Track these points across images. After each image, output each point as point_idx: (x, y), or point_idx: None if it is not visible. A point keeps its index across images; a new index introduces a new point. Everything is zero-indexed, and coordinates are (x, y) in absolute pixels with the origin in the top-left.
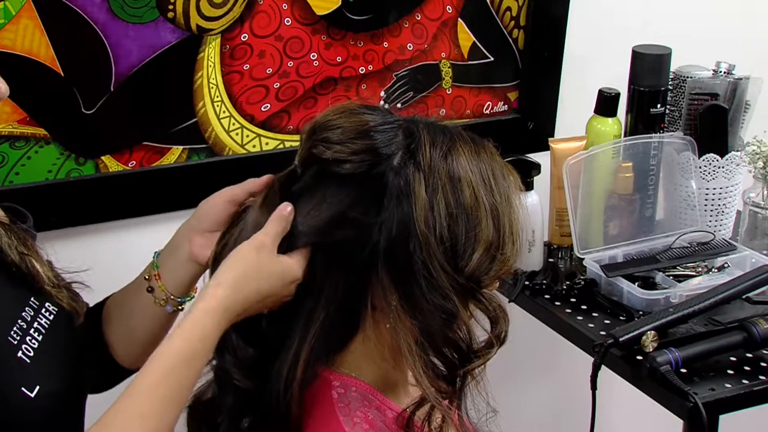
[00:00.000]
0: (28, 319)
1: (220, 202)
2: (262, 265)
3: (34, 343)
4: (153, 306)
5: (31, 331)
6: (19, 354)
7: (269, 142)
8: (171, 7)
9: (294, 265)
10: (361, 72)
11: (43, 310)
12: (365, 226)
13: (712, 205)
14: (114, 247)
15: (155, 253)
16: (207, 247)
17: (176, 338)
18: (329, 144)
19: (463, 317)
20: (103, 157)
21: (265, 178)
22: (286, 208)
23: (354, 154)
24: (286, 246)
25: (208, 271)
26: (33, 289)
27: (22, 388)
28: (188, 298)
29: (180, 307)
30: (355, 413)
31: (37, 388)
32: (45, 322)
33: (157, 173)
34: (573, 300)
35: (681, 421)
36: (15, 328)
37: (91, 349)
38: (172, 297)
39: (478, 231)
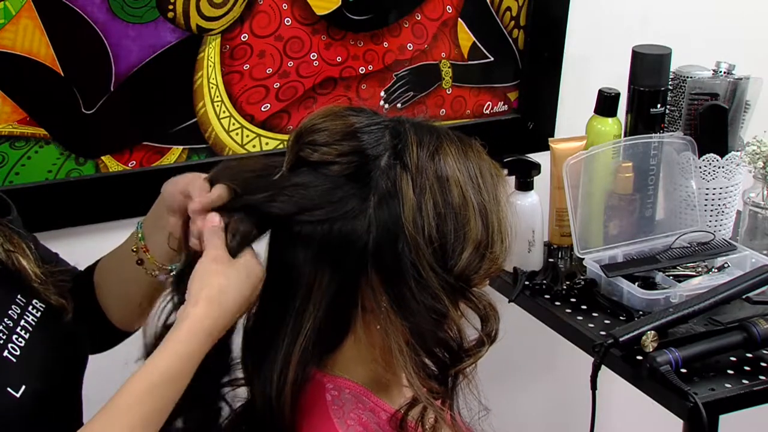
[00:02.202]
0: (15, 317)
1: (176, 192)
2: (230, 275)
3: (21, 342)
4: (145, 276)
5: (18, 329)
6: (5, 353)
7: (269, 142)
8: (171, 7)
9: (252, 261)
10: (361, 72)
11: (30, 307)
12: (352, 225)
13: (712, 205)
14: (114, 247)
15: (138, 223)
16: (177, 226)
17: (159, 358)
18: (316, 146)
19: (454, 317)
20: (103, 157)
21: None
22: (214, 220)
23: (341, 155)
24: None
25: None
26: (20, 287)
27: (8, 388)
28: (179, 264)
29: (173, 274)
30: (349, 415)
31: (23, 387)
32: (32, 320)
33: (157, 173)
34: (573, 300)
35: (681, 421)
36: (1, 328)
37: (84, 315)
38: (162, 266)
39: (467, 230)
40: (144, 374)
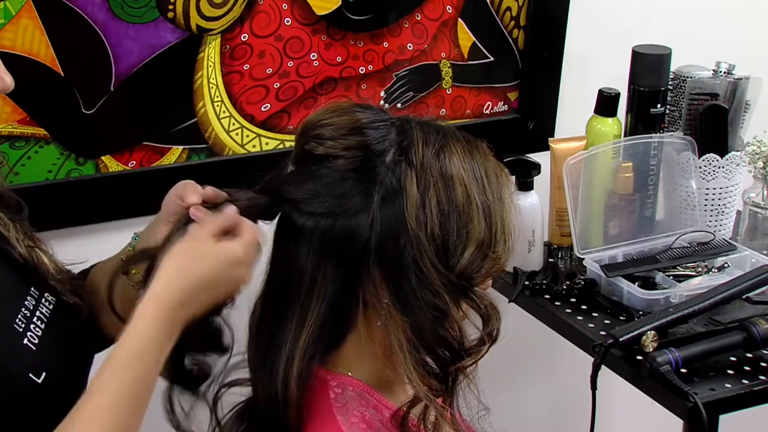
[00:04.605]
0: (30, 308)
1: (171, 196)
2: (198, 252)
3: (38, 331)
4: (129, 288)
5: (34, 319)
6: (25, 341)
7: (269, 142)
8: (171, 7)
9: (234, 245)
10: (361, 72)
11: (43, 299)
12: (356, 219)
13: (712, 205)
14: (114, 247)
15: (134, 234)
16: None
17: (122, 339)
18: (322, 140)
19: (454, 315)
20: (103, 157)
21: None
22: (197, 207)
23: (346, 149)
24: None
25: None
26: (33, 281)
27: (30, 374)
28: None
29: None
30: (353, 413)
31: (44, 374)
32: (46, 312)
33: (157, 173)
34: (573, 300)
35: (681, 421)
36: (19, 316)
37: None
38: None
39: (470, 229)
40: (111, 356)
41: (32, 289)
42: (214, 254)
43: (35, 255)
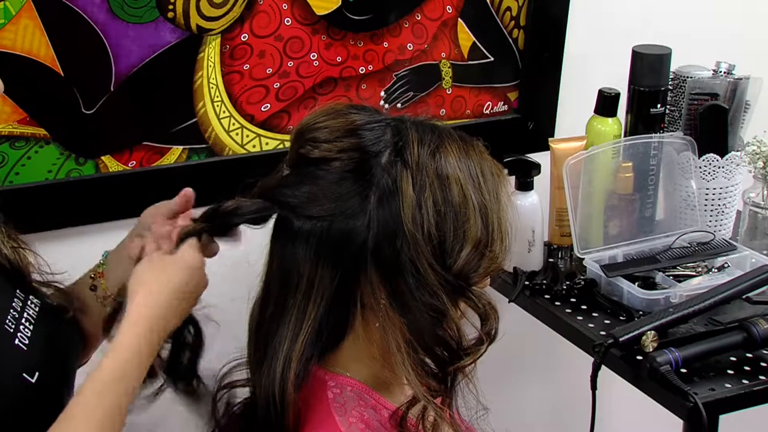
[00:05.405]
0: (18, 309)
1: (157, 215)
2: (164, 267)
3: (27, 332)
4: (96, 304)
5: (23, 320)
6: (16, 341)
7: (269, 142)
8: (171, 7)
9: (188, 253)
10: (361, 72)
11: (29, 302)
12: (352, 221)
13: (712, 205)
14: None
15: (105, 252)
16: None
17: (106, 358)
18: (317, 143)
19: (452, 315)
20: (103, 157)
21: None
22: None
23: (342, 151)
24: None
25: None
26: (18, 283)
27: (24, 374)
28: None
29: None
30: (351, 413)
31: (37, 374)
32: (32, 313)
33: (157, 173)
34: (573, 300)
35: (681, 421)
36: (8, 318)
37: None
38: (111, 296)
39: (467, 228)
40: (93, 379)
41: (18, 291)
42: (180, 265)
43: (19, 257)
